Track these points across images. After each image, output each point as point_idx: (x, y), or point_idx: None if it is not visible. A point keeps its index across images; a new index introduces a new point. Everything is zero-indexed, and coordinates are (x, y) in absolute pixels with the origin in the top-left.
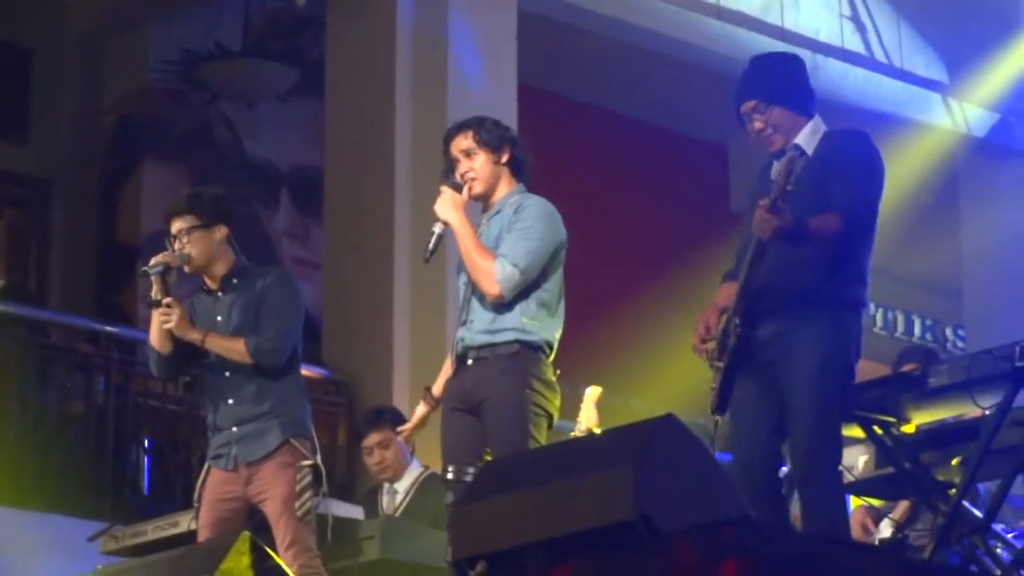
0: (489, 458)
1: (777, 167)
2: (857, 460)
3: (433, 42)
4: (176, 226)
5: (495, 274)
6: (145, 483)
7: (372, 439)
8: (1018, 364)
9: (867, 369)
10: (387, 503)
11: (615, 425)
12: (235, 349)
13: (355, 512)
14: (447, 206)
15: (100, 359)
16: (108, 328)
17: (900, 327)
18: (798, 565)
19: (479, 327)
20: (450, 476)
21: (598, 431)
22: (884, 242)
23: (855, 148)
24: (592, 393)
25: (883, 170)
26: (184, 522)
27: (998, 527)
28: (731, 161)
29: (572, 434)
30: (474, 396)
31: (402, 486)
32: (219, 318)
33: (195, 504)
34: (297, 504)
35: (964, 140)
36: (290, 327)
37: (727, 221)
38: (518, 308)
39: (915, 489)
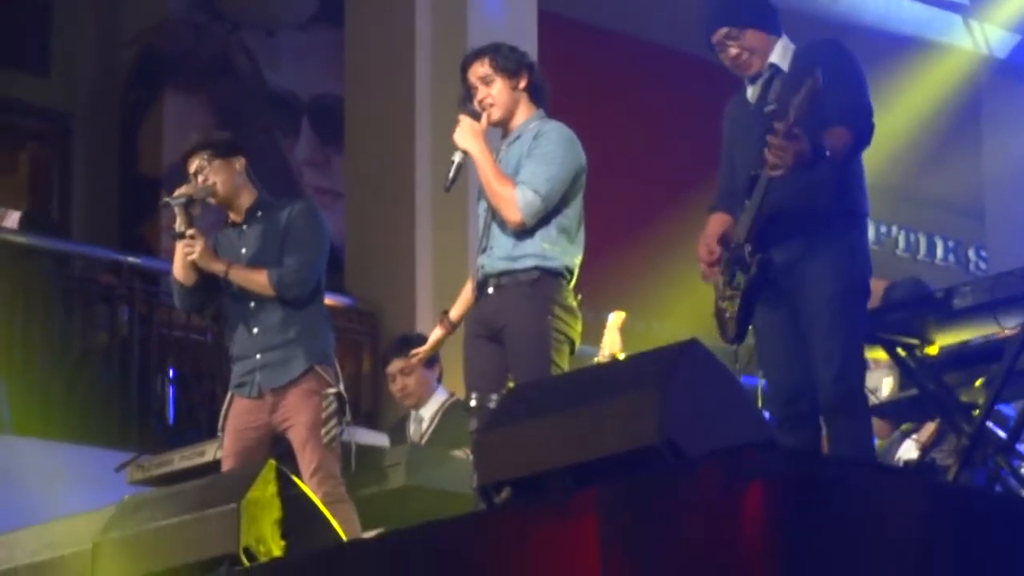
0: (512, 384)
1: (753, 90)
2: (881, 383)
3: None
4: (195, 163)
5: (516, 201)
6: (170, 413)
7: (395, 366)
8: None
9: None
10: (413, 430)
11: (638, 351)
12: (258, 281)
13: (380, 440)
14: (466, 134)
15: (123, 290)
16: (131, 259)
17: (922, 249)
18: (824, 488)
19: (499, 254)
20: (473, 403)
21: (622, 357)
22: (906, 164)
23: (833, 57)
24: (615, 319)
25: (863, 70)
26: (210, 451)
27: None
28: None
29: (595, 360)
30: (496, 323)
31: (427, 413)
32: (243, 250)
33: (219, 433)
34: (323, 431)
35: (985, 61)
36: (314, 258)
37: None
38: (539, 234)
39: (939, 410)
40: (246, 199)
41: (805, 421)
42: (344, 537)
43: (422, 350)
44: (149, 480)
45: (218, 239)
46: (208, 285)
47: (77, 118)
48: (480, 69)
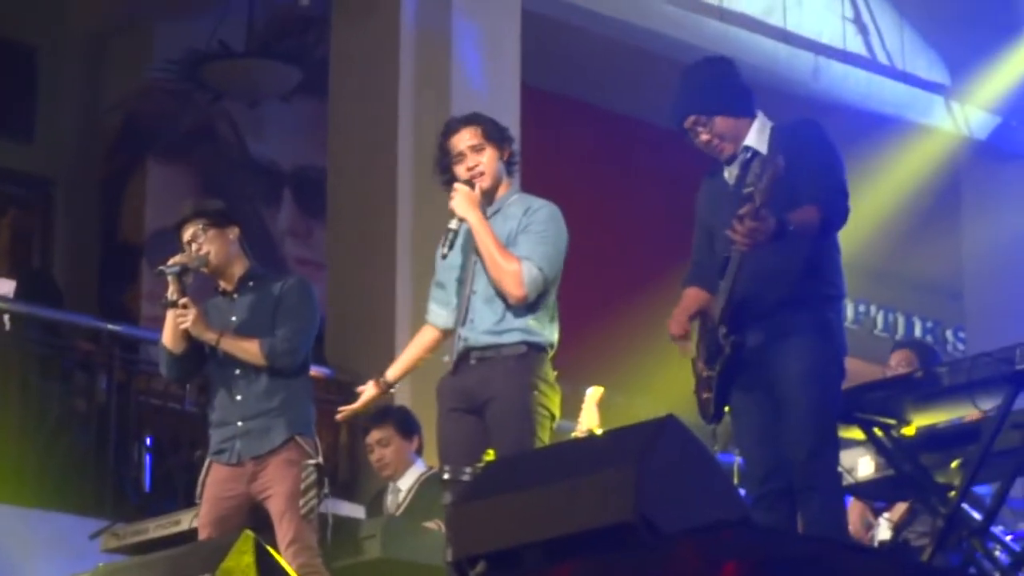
0: (489, 458)
1: (731, 171)
2: (857, 462)
3: (437, 42)
4: (189, 231)
5: (523, 276)
6: (147, 481)
7: (373, 436)
8: (1018, 367)
9: (867, 371)
10: (390, 501)
11: (616, 426)
12: (249, 350)
13: (357, 511)
14: (464, 203)
15: (103, 357)
16: (111, 326)
17: (901, 329)
18: (799, 567)
19: (482, 327)
20: (447, 476)
21: (599, 432)
22: (885, 244)
23: (810, 137)
24: (594, 393)
25: (840, 153)
26: (185, 520)
27: (998, 529)
28: None
29: (573, 434)
30: (478, 396)
31: (405, 484)
32: (233, 319)
33: (197, 500)
34: (301, 502)
35: (966, 143)
36: (305, 330)
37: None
38: (525, 309)
39: (915, 491)
40: (238, 269)
41: (780, 499)
42: None
43: (348, 409)
44: (124, 548)
45: (207, 307)
46: (197, 354)
47: (59, 184)
48: (470, 138)
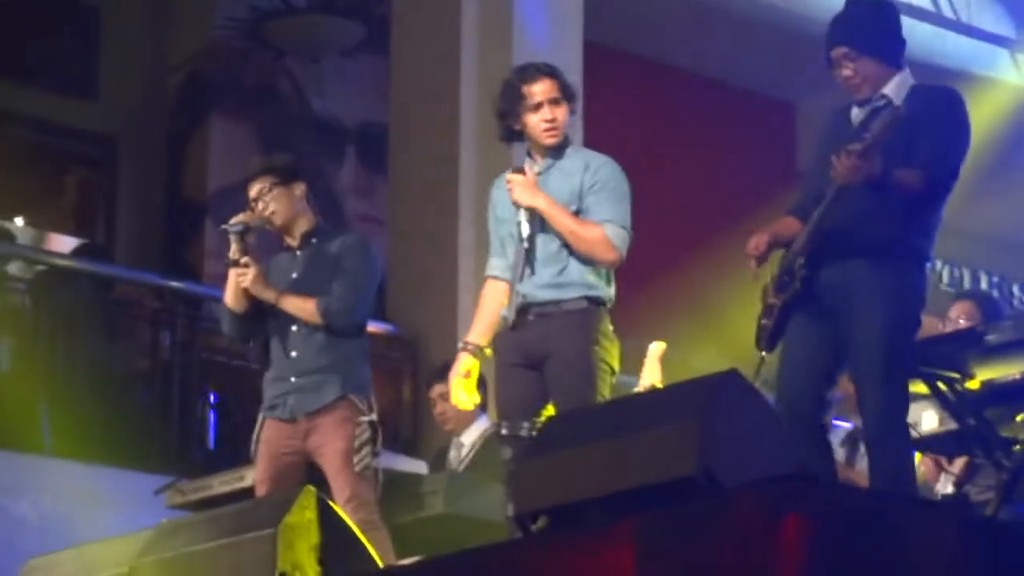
0: (549, 413)
1: (859, 113)
2: (921, 416)
3: None
4: (255, 188)
5: (611, 240)
6: (211, 438)
7: (436, 390)
8: None
9: (932, 326)
10: (453, 456)
11: (678, 380)
12: (307, 309)
13: (419, 467)
14: (527, 192)
15: (166, 314)
16: (174, 284)
17: (966, 283)
18: (859, 521)
19: (542, 281)
20: (505, 432)
21: (661, 387)
22: (951, 198)
23: (944, 106)
24: (656, 349)
25: (969, 131)
26: (249, 477)
27: None
28: (799, 119)
29: (635, 390)
30: (538, 351)
31: (468, 439)
32: (294, 275)
33: (252, 456)
34: (356, 458)
35: None
36: (363, 290)
37: (794, 179)
38: (584, 264)
39: (979, 445)
40: (303, 225)
41: (803, 419)
42: (381, 564)
43: (455, 387)
44: (187, 504)
45: (270, 264)
46: (258, 313)
47: (123, 142)
48: (550, 89)
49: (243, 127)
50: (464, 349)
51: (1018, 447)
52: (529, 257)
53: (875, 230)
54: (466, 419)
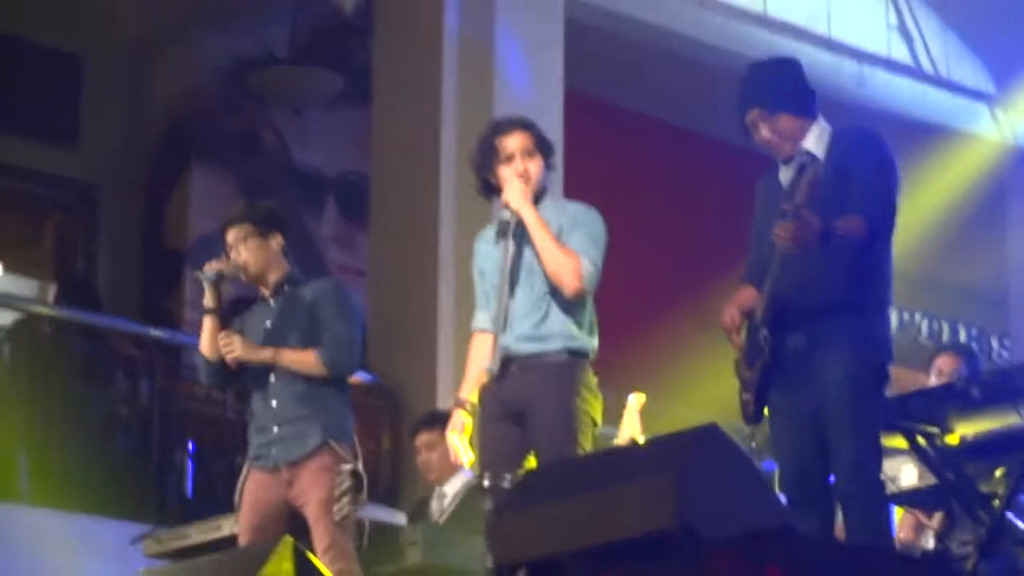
0: (530, 465)
1: (786, 172)
2: (900, 470)
3: (479, 49)
4: (232, 235)
5: (581, 270)
6: (189, 486)
7: (422, 439)
8: None
9: (911, 379)
10: (435, 506)
11: (658, 433)
12: (307, 362)
13: (398, 518)
14: (519, 197)
15: (145, 362)
16: (154, 332)
17: (945, 336)
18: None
19: (523, 333)
20: (487, 483)
21: (641, 439)
22: (930, 251)
23: (868, 148)
24: (635, 401)
25: (895, 165)
26: (227, 526)
27: None
28: None
29: (615, 442)
30: (519, 403)
31: (451, 489)
32: (268, 324)
33: (236, 507)
34: (335, 507)
35: (1011, 151)
36: (355, 330)
37: None
38: (565, 315)
39: (959, 500)
40: (275, 275)
41: (815, 503)
42: None
43: (456, 446)
44: (165, 554)
45: (245, 318)
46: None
47: (104, 190)
48: (526, 141)
49: (224, 176)
50: (458, 405)
51: (997, 502)
52: (510, 309)
53: (825, 289)
54: (450, 469)
